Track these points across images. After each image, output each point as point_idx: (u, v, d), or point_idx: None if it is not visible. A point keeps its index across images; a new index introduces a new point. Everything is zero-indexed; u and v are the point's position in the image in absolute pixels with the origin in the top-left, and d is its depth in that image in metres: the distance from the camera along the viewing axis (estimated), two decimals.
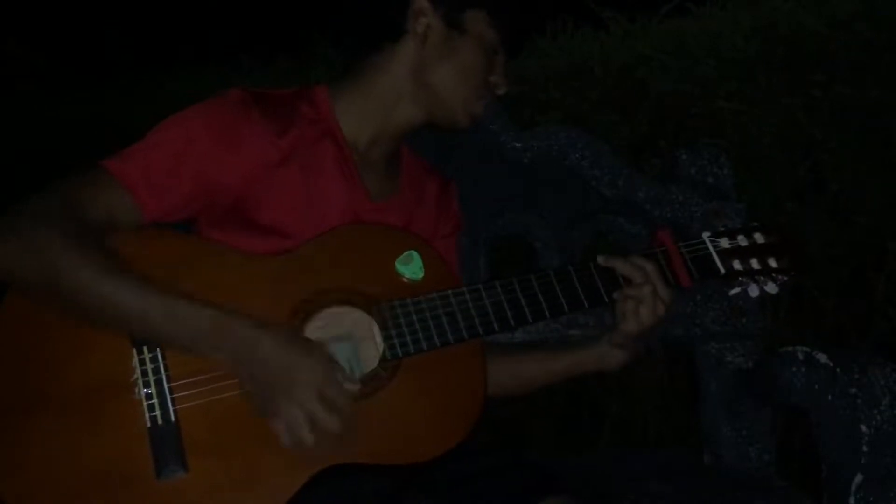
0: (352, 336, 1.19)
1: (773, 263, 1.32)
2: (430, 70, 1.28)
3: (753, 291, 1.32)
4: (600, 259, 1.28)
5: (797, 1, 2.70)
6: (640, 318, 1.25)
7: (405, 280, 1.21)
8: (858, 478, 1.35)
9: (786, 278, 1.33)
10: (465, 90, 1.30)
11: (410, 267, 1.22)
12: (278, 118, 1.23)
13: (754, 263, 1.32)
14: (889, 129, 2.35)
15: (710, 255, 1.31)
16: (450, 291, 1.21)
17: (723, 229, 1.36)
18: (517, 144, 1.81)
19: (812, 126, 2.41)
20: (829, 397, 1.42)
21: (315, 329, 1.17)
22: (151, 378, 1.11)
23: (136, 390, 1.10)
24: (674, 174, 1.84)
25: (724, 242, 1.33)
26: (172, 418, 1.10)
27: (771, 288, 1.32)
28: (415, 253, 1.23)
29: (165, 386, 1.11)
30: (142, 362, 1.11)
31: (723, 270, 1.31)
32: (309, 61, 3.59)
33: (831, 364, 1.43)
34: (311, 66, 3.51)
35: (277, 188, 1.21)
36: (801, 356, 1.50)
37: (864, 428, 1.35)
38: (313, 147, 1.26)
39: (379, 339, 1.18)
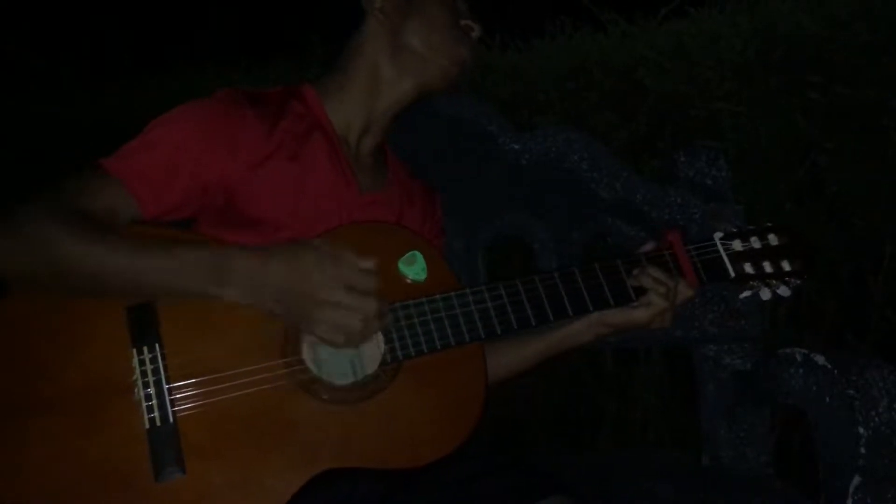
0: None
1: (786, 266, 1.30)
2: (400, 35, 1.30)
3: (765, 295, 1.30)
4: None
5: (795, 3, 2.70)
6: (663, 320, 1.27)
7: (409, 281, 1.21)
8: (856, 479, 1.35)
9: (799, 281, 1.30)
10: (440, 39, 1.31)
11: (414, 268, 1.21)
12: (268, 114, 1.25)
13: (767, 267, 1.30)
14: (887, 130, 2.35)
15: (721, 258, 1.30)
16: (452, 293, 1.21)
17: (735, 230, 1.33)
18: (515, 146, 1.81)
19: (810, 127, 2.41)
20: (827, 399, 1.42)
21: None
22: (151, 379, 1.10)
23: (136, 391, 1.10)
24: (672, 176, 1.84)
25: (737, 245, 1.30)
26: (171, 420, 1.10)
27: (784, 291, 1.30)
28: (418, 253, 1.22)
29: (164, 387, 1.11)
30: (141, 363, 1.11)
31: (733, 274, 1.29)
32: (307, 62, 3.59)
33: (829, 366, 1.43)
34: (309, 66, 3.52)
35: (270, 182, 1.22)
36: (799, 358, 1.50)
37: (861, 430, 1.35)
38: (303, 140, 1.27)
39: (381, 340, 1.18)
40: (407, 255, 1.22)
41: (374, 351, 1.17)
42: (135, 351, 1.12)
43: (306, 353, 1.16)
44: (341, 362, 1.16)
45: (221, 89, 1.25)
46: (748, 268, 1.30)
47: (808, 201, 2.41)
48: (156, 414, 1.10)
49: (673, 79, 2.64)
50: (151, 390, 1.10)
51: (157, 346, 1.12)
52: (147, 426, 1.09)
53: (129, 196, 1.16)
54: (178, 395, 1.11)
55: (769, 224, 1.34)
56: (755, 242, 1.31)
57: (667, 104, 2.63)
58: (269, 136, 1.23)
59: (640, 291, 1.27)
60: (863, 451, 1.35)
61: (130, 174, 1.17)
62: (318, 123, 1.30)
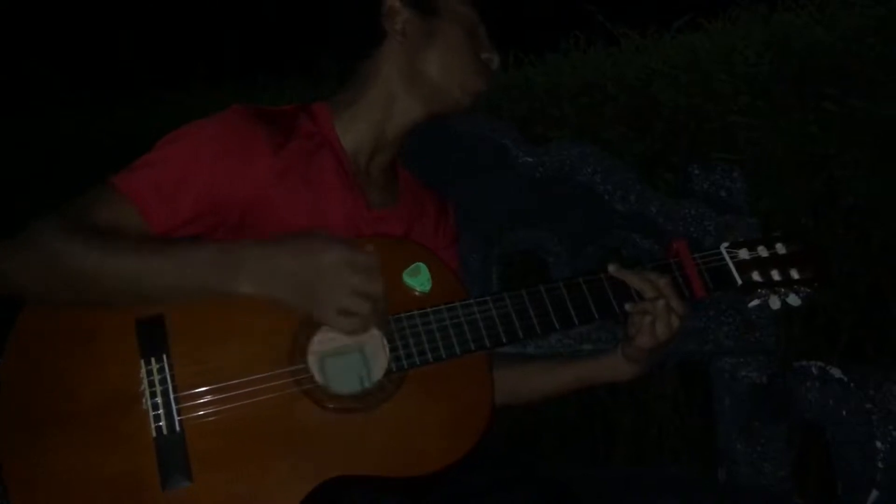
0: (362, 346, 1.19)
1: (795, 275, 1.29)
2: (419, 61, 1.30)
3: (775, 304, 1.30)
4: (611, 269, 1.26)
5: (809, 15, 2.70)
6: (655, 333, 1.24)
7: (416, 293, 1.22)
8: (874, 494, 1.34)
9: (809, 290, 1.30)
10: (457, 70, 1.31)
11: (418, 279, 1.22)
12: (279, 132, 1.25)
13: (775, 275, 1.29)
14: None
15: (727, 265, 1.29)
16: (457, 303, 1.21)
17: (742, 240, 1.33)
18: (529, 160, 1.81)
19: (826, 140, 2.40)
20: (844, 413, 1.40)
21: (323, 340, 1.18)
22: (158, 388, 1.12)
23: (144, 401, 1.11)
24: (687, 189, 1.84)
25: (744, 253, 1.30)
26: (178, 429, 1.11)
27: (793, 300, 1.29)
28: (422, 265, 1.23)
29: (171, 396, 1.12)
30: (149, 373, 1.13)
31: (740, 282, 1.29)
32: (320, 77, 3.63)
33: (846, 379, 1.41)
34: (323, 82, 3.55)
35: (280, 200, 1.23)
36: (815, 371, 1.48)
37: (879, 444, 1.34)
38: (312, 158, 1.27)
39: (386, 351, 1.18)
40: (411, 266, 1.22)
41: (381, 360, 1.18)
42: (143, 362, 1.13)
43: (312, 362, 1.16)
44: (347, 371, 1.17)
45: (235, 105, 1.26)
46: (755, 276, 1.29)
47: (824, 214, 2.40)
48: (163, 423, 1.11)
49: (687, 92, 2.64)
50: (159, 400, 1.11)
51: (164, 356, 1.13)
52: (154, 435, 1.10)
53: (136, 211, 1.18)
54: (185, 405, 1.12)
55: (776, 233, 1.34)
56: (762, 251, 1.31)
57: (681, 118, 2.63)
58: (279, 155, 1.23)
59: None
60: (880, 465, 1.33)
61: (139, 189, 1.18)
62: (327, 141, 1.30)
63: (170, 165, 1.20)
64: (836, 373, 1.43)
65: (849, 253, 2.33)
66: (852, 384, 1.40)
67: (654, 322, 1.24)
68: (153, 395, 1.12)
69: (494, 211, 1.78)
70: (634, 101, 2.76)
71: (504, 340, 1.22)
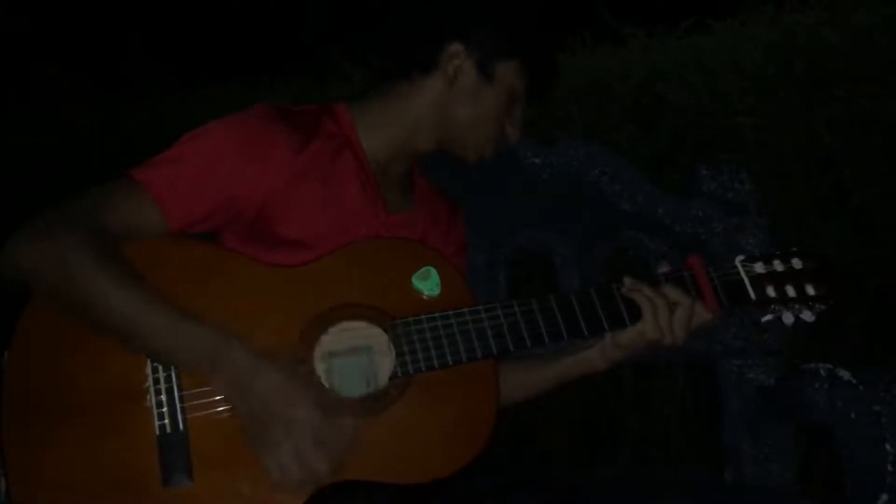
0: (369, 350, 1.19)
1: (810, 291, 1.28)
2: (453, 110, 1.31)
3: (788, 319, 1.29)
4: (627, 283, 1.24)
5: (817, 15, 2.69)
6: (660, 326, 1.22)
7: (424, 297, 1.22)
8: (884, 497, 1.33)
9: (824, 307, 1.28)
10: (481, 135, 1.33)
11: (428, 283, 1.22)
12: (301, 132, 1.26)
13: (790, 290, 1.28)
14: None
15: (742, 280, 1.28)
16: (465, 310, 1.21)
17: (758, 254, 1.32)
18: (536, 160, 1.81)
19: (833, 140, 2.39)
20: (853, 415, 1.40)
21: (333, 339, 1.18)
22: (163, 386, 1.12)
23: (148, 398, 1.12)
24: (694, 189, 1.83)
25: (759, 267, 1.29)
26: (181, 427, 1.11)
27: (807, 316, 1.28)
28: (432, 269, 1.23)
29: (176, 395, 1.12)
30: (154, 370, 1.13)
31: (754, 297, 1.28)
32: (328, 78, 3.63)
33: (855, 381, 1.41)
34: (331, 83, 3.55)
35: (300, 200, 1.24)
36: (823, 373, 1.48)
37: (888, 447, 1.33)
38: (334, 160, 1.28)
39: (392, 355, 1.18)
40: (421, 270, 1.22)
41: (387, 364, 1.18)
42: (148, 359, 1.13)
43: (318, 365, 1.16)
44: (354, 373, 1.17)
45: (258, 104, 1.27)
46: (770, 291, 1.28)
47: (832, 214, 2.39)
48: (167, 421, 1.11)
49: (694, 92, 2.64)
50: (164, 397, 1.12)
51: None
52: (157, 433, 1.11)
53: (154, 205, 1.18)
54: (189, 404, 1.12)
55: (794, 248, 1.32)
56: (778, 265, 1.29)
57: (688, 118, 2.62)
58: (300, 155, 1.24)
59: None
60: (890, 468, 1.33)
61: (158, 184, 1.18)
62: (349, 143, 1.31)
63: (189, 162, 1.20)
64: (845, 375, 1.43)
65: (856, 254, 2.32)
66: (861, 386, 1.39)
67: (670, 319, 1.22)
68: (158, 392, 1.12)
69: (501, 212, 1.77)
70: (641, 101, 2.75)
71: (512, 348, 1.21)
